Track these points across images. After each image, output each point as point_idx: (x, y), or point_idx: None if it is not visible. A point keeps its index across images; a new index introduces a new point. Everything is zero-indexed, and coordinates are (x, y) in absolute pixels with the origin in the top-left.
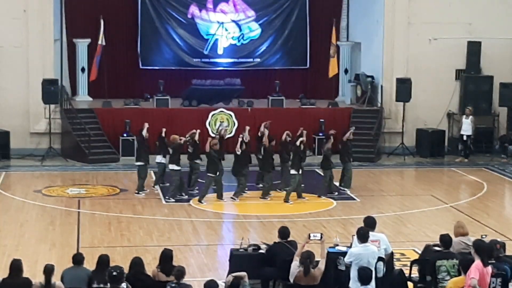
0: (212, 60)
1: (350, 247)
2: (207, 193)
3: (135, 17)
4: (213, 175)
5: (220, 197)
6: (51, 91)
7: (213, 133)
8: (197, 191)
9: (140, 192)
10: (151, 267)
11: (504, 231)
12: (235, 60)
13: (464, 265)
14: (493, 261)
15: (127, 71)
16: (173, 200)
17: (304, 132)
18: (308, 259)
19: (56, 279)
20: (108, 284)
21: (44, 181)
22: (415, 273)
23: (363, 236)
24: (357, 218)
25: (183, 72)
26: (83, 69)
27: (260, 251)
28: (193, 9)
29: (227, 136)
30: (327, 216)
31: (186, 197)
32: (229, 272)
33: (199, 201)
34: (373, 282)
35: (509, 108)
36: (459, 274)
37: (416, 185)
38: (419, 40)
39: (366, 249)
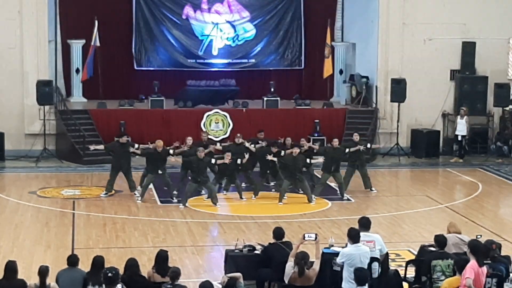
0: (207, 61)
1: (345, 247)
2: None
3: (129, 18)
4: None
5: (214, 202)
6: (45, 92)
7: (208, 134)
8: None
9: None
10: (146, 268)
11: (499, 232)
12: (230, 61)
13: (460, 265)
14: (489, 261)
15: (122, 72)
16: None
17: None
18: (303, 259)
19: (51, 280)
20: (103, 286)
21: (39, 182)
22: (410, 274)
23: (354, 237)
24: (352, 218)
25: (178, 73)
26: (77, 70)
27: (255, 252)
28: (188, 10)
29: (222, 137)
30: (322, 217)
31: (176, 200)
32: (225, 273)
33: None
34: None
35: (504, 109)
36: (454, 274)
37: (411, 185)
38: (414, 40)
39: (358, 249)
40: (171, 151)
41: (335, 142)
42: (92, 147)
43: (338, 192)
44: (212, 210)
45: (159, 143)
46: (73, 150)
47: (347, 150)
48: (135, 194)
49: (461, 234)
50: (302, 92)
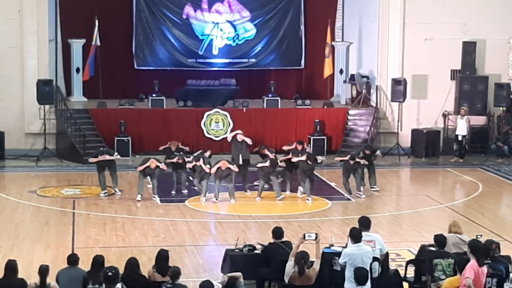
0: (207, 60)
1: (345, 247)
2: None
3: (130, 18)
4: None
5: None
6: (46, 92)
7: (208, 133)
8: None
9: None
10: (146, 267)
11: (499, 231)
12: (230, 60)
13: (460, 265)
14: (489, 261)
15: (122, 72)
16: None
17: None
18: (302, 259)
19: (51, 279)
20: (103, 285)
21: (39, 181)
22: (410, 273)
23: (356, 236)
24: (353, 218)
25: (178, 73)
26: (77, 70)
27: (255, 251)
28: (188, 9)
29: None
30: (322, 217)
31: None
32: (224, 273)
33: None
34: (368, 282)
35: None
36: (455, 274)
37: (411, 185)
38: (414, 40)
39: (360, 249)
40: (160, 165)
41: (352, 161)
42: (90, 159)
43: (356, 186)
44: (212, 209)
45: (152, 164)
46: (73, 150)
47: (361, 162)
48: (116, 191)
49: (462, 234)
50: (302, 91)
